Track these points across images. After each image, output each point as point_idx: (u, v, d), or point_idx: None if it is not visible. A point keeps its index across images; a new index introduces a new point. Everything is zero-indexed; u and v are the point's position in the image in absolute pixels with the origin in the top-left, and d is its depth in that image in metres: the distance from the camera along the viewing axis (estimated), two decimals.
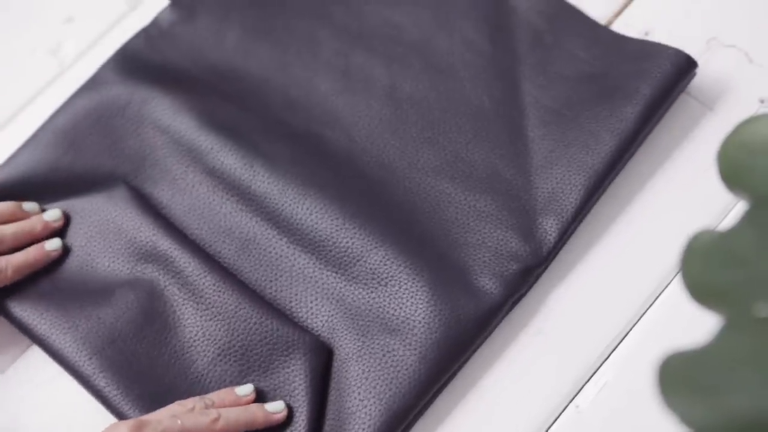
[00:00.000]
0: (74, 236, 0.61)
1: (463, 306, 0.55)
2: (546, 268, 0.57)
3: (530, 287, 0.57)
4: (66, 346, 0.57)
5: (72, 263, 0.60)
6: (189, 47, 0.68)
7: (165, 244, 0.59)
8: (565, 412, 0.54)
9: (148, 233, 0.59)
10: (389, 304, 0.56)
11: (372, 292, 0.56)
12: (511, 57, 0.63)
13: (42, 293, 0.59)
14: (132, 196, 0.61)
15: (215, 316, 0.56)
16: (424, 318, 0.55)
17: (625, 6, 0.65)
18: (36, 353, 0.59)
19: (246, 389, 0.54)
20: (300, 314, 0.57)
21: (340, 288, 0.57)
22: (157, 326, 0.57)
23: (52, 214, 0.61)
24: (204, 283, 0.57)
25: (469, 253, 0.57)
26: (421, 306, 0.55)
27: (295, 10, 0.68)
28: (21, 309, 0.59)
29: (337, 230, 0.58)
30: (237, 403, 0.54)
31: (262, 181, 0.60)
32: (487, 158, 0.60)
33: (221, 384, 0.55)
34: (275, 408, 0.54)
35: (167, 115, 0.63)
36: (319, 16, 0.67)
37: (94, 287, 0.59)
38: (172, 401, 0.53)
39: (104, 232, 0.61)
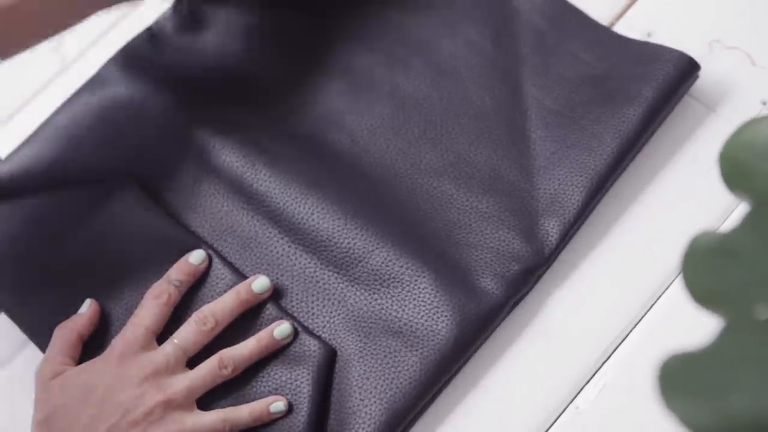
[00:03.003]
0: (74, 232, 0.61)
1: (464, 306, 0.55)
2: (548, 268, 0.57)
3: (532, 288, 0.57)
4: None
5: (72, 258, 0.60)
6: (192, 46, 0.68)
7: (171, 238, 0.59)
8: (565, 412, 0.54)
9: (154, 228, 0.59)
10: (391, 304, 0.56)
11: (374, 292, 0.56)
12: (514, 58, 0.63)
13: (40, 288, 0.59)
14: (137, 193, 0.61)
15: None
16: (425, 318, 0.55)
17: (628, 7, 0.65)
18: (34, 349, 0.59)
19: (285, 331, 0.55)
20: (301, 314, 0.57)
21: (342, 288, 0.57)
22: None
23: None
24: (210, 279, 0.57)
25: (471, 253, 0.57)
26: (422, 306, 0.55)
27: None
28: (18, 304, 0.59)
29: (338, 230, 0.58)
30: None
31: (264, 180, 0.60)
32: (489, 159, 0.60)
33: (224, 383, 0.55)
34: (277, 408, 0.53)
35: (169, 114, 0.63)
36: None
37: (96, 282, 0.59)
38: None
39: (106, 228, 0.61)
